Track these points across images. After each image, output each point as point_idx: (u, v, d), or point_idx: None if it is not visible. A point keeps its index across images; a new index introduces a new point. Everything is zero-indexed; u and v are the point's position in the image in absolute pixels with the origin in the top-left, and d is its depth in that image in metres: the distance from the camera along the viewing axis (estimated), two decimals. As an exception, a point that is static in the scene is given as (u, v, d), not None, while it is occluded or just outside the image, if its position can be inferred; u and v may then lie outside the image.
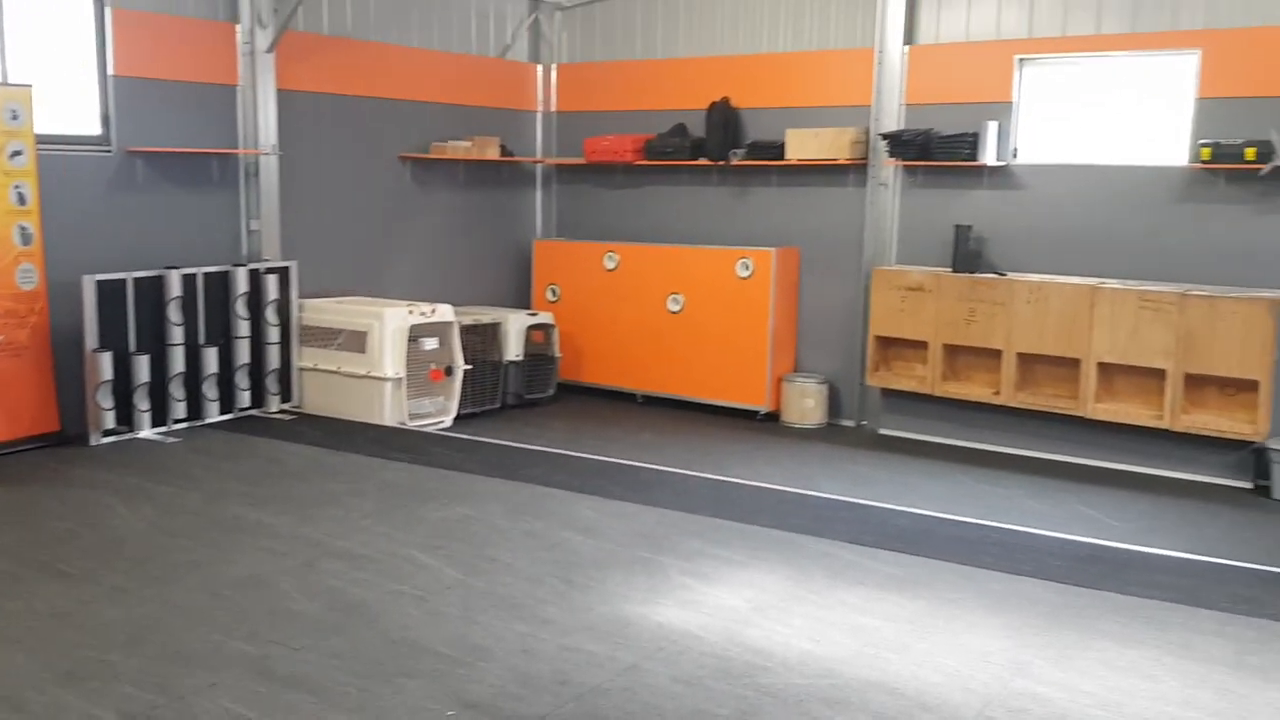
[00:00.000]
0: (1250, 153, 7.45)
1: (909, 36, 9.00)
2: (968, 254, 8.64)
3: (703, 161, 9.91)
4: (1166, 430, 7.78)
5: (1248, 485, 7.68)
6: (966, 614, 4.90)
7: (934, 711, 3.97)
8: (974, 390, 8.65)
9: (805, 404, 9.45)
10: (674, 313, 9.91)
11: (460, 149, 9.92)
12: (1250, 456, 7.68)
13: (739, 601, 5.01)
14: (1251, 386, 7.50)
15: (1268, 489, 7.45)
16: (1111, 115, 8.37)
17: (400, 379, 8.49)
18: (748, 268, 9.51)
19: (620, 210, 10.68)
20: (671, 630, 4.66)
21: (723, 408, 9.74)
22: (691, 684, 4.17)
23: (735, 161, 9.73)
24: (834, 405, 9.59)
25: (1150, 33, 7.97)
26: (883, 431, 9.28)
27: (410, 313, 8.62)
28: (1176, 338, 7.65)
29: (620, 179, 10.66)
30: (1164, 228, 8.06)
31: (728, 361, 9.68)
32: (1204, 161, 7.66)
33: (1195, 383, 7.72)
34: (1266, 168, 7.40)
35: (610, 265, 10.24)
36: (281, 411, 8.63)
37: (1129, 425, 7.98)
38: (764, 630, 4.69)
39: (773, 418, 9.56)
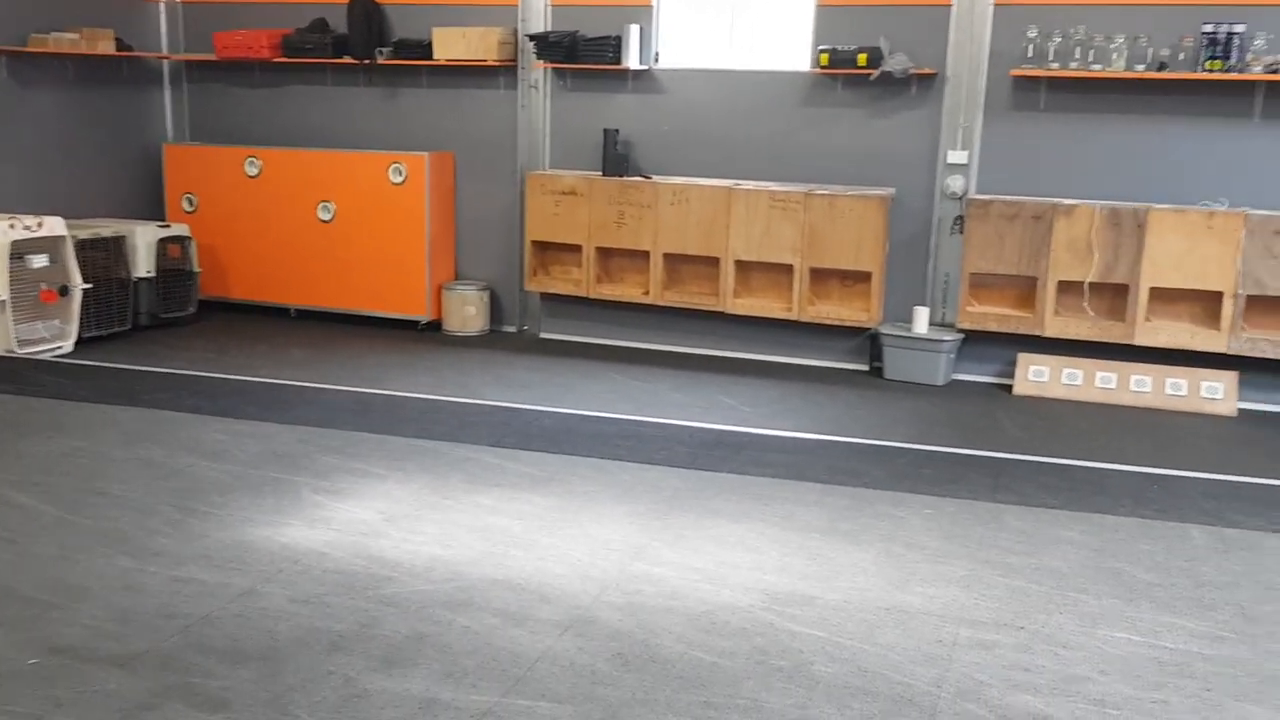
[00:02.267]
0: (862, 58, 7.98)
1: (554, -65, 8.89)
2: (616, 157, 8.78)
3: (347, 60, 9.40)
4: (796, 321, 8.36)
5: (865, 368, 8.42)
6: (595, 506, 5.05)
7: (553, 602, 4.07)
8: (626, 291, 8.89)
9: (466, 312, 9.36)
10: (325, 221, 9.45)
11: (66, 42, 8.84)
12: (867, 341, 8.41)
13: (371, 514, 4.90)
14: (866, 278, 8.17)
15: (880, 370, 8.21)
16: (746, 21, 8.69)
17: (3, 301, 7.58)
18: (401, 173, 9.20)
19: (260, 112, 9.98)
20: (295, 550, 4.49)
21: (382, 319, 9.48)
22: (310, 602, 4.04)
23: (382, 60, 9.31)
24: (496, 312, 9.56)
25: (774, -60, 8.29)
26: (544, 336, 9.37)
27: (11, 227, 7.68)
28: (803, 235, 8.17)
29: (259, 78, 9.93)
30: (792, 131, 8.52)
31: (385, 271, 9.38)
32: (823, 67, 8.13)
33: (820, 276, 8.31)
34: (876, 72, 7.95)
35: (252, 171, 9.58)
36: None
37: (764, 318, 8.50)
38: (393, 541, 4.62)
39: (434, 327, 9.41)
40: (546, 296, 9.30)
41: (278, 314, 9.70)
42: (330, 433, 6.03)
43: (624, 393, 7.54)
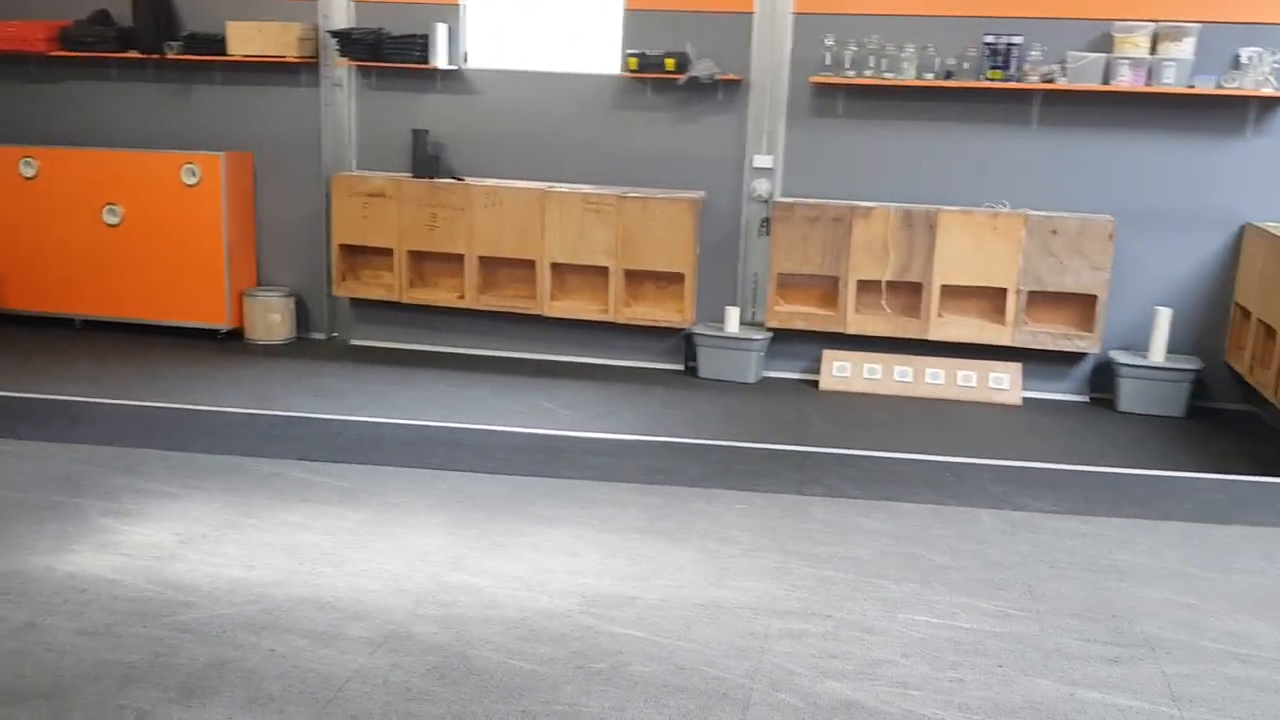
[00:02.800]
0: (670, 63, 8.10)
1: (354, -70, 8.64)
2: (427, 159, 8.61)
3: (134, 54, 8.86)
4: (613, 323, 8.42)
5: (680, 368, 8.56)
6: (410, 517, 4.93)
7: (366, 619, 3.95)
8: (441, 295, 8.73)
9: (271, 319, 8.98)
10: (112, 226, 8.87)
11: None
12: (682, 341, 8.55)
13: (165, 537, 4.63)
14: (679, 280, 8.30)
15: (695, 369, 8.36)
16: (555, 23, 8.68)
17: None
18: (195, 175, 8.74)
19: (37, 109, 9.29)
20: (81, 579, 4.19)
21: (179, 328, 8.98)
22: (98, 634, 3.78)
23: (171, 55, 8.82)
24: (302, 319, 9.21)
25: (582, -57, 8.31)
26: (354, 342, 9.10)
27: None
28: (617, 237, 8.23)
29: (34, 72, 9.24)
30: (604, 133, 8.56)
31: (180, 278, 8.89)
32: (633, 71, 8.21)
33: (634, 278, 8.39)
34: (684, 77, 8.09)
35: (28, 173, 8.91)
36: None
37: (581, 320, 8.52)
38: (191, 564, 4.37)
39: (236, 335, 8.99)
40: (357, 302, 9.04)
41: (61, 325, 9.06)
42: (119, 451, 5.66)
43: (440, 399, 7.41)
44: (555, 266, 8.43)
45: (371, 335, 9.08)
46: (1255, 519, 4.75)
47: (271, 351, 8.76)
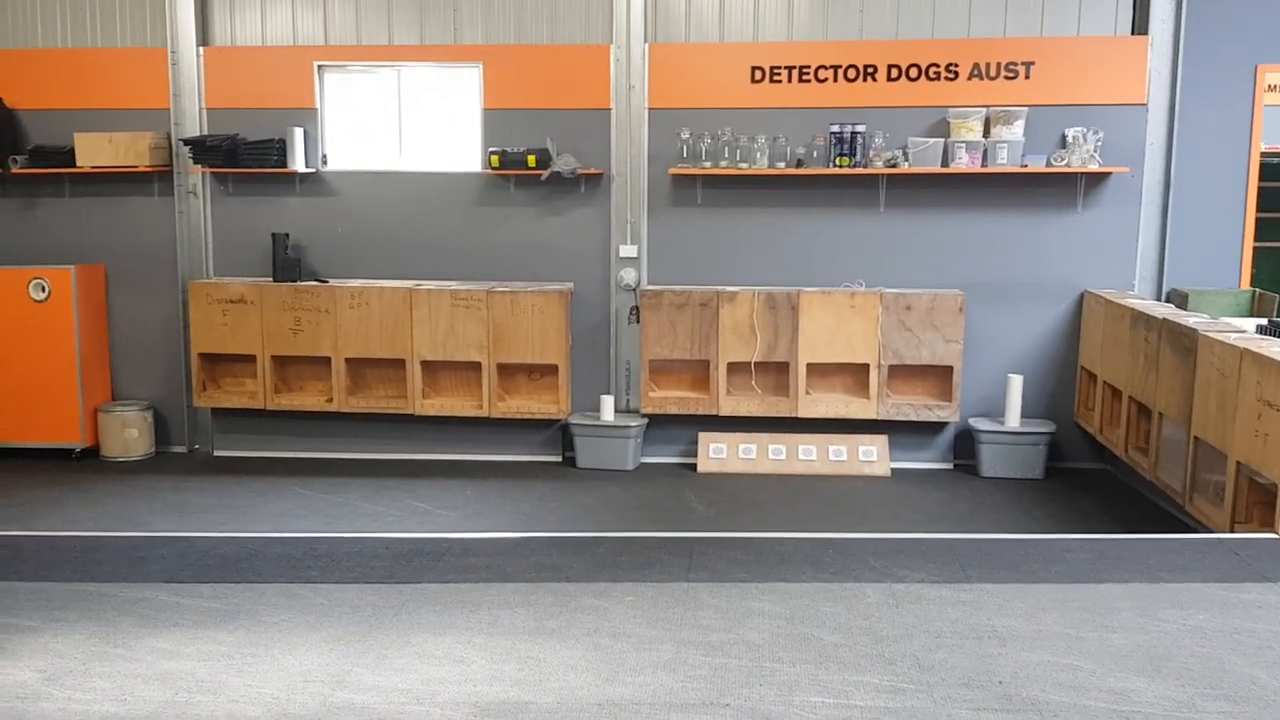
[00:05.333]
0: (531, 159, 8.23)
1: (203, 38, 8.55)
2: (287, 262, 8.47)
3: (-28, 169, 8.53)
4: (488, 418, 8.35)
5: (558, 458, 8.53)
6: (288, 635, 4.72)
7: (247, 749, 3.74)
8: (308, 400, 8.53)
9: (128, 434, 8.60)
10: (-49, 346, 8.42)
11: None
12: (558, 432, 8.53)
13: (28, 674, 4.31)
14: (553, 371, 8.33)
15: (574, 459, 8.34)
16: (417, 123, 8.73)
17: None
18: (44, 289, 8.39)
19: None
20: (-73, 732, 3.86)
21: (29, 449, 8.51)
22: (-51, 793, 3.48)
23: (16, 170, 8.50)
24: (162, 432, 8.86)
25: (437, 45, 8.42)
26: (218, 454, 8.78)
27: None
28: (487, 332, 8.22)
29: None
30: (470, 230, 8.60)
31: (29, 397, 8.46)
32: (495, 168, 8.31)
33: (507, 371, 8.38)
34: (546, 173, 8.22)
35: None
36: None
37: (455, 417, 8.43)
38: (57, 703, 4.07)
39: (92, 454, 8.57)
40: (219, 411, 8.75)
41: (-106, 454, 8.49)
42: (-33, 587, 5.27)
43: (312, 508, 7.18)
44: (426, 364, 8.35)
45: (236, 445, 8.78)
46: (1125, 576, 4.96)
47: (130, 469, 8.37)
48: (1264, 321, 6.88)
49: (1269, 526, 5.27)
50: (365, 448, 8.63)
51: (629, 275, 8.43)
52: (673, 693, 4.05)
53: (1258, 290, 8.08)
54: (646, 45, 8.23)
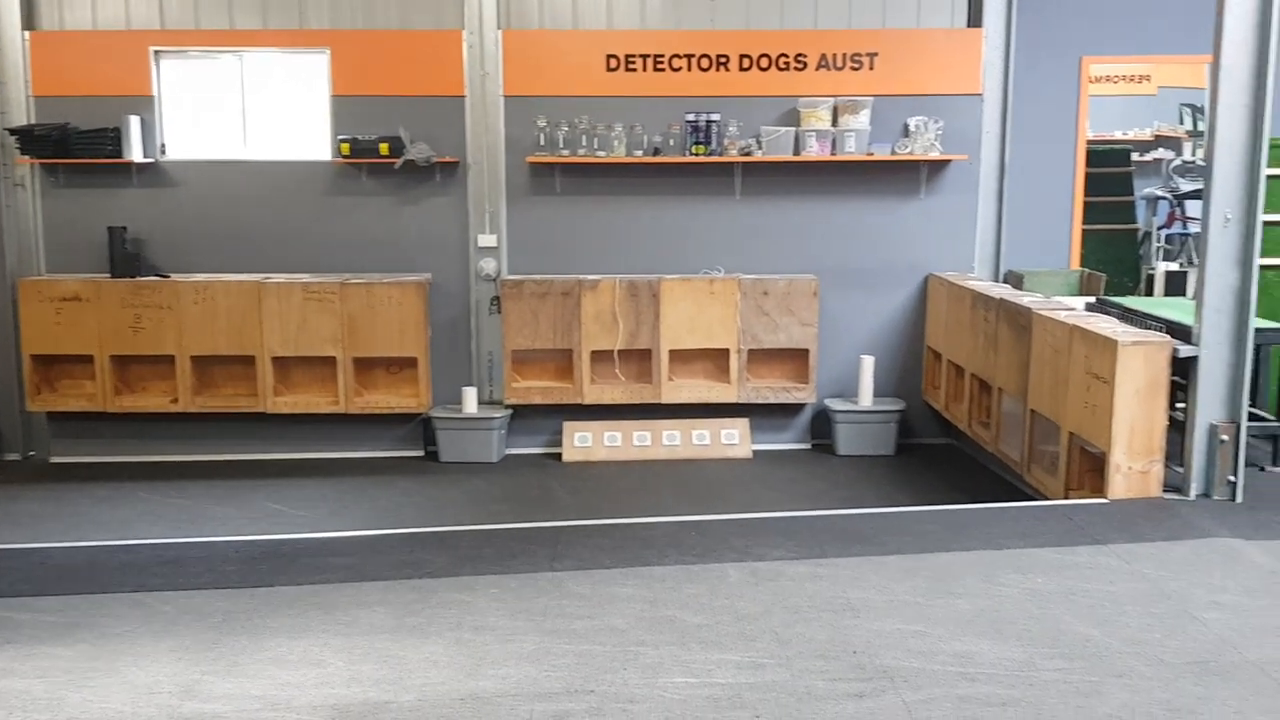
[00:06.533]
0: (384, 148, 8.05)
1: (28, 21, 8.07)
2: (126, 257, 8.08)
3: None
4: (344, 414, 8.15)
5: (420, 453, 8.39)
6: (133, 646, 4.52)
7: (89, 768, 3.57)
8: (151, 401, 8.17)
9: (-48, 443, 8.08)
10: None
11: None
12: (420, 426, 8.39)
13: None
14: (412, 364, 8.18)
15: (436, 454, 8.22)
16: (263, 111, 8.42)
17: None
18: None
19: None
20: None
21: None
22: None
23: None
24: (-9, 439, 8.35)
25: (281, 30, 8.15)
26: (55, 460, 8.32)
27: None
28: (342, 325, 8.02)
29: None
30: (321, 220, 8.35)
31: None
32: (345, 156, 8.09)
33: (364, 366, 8.18)
34: (399, 161, 8.05)
35: None
36: None
37: (310, 414, 8.20)
38: (-128, 734, 3.80)
39: (-88, 465, 8.02)
40: (55, 416, 8.29)
41: None
42: None
43: (157, 513, 6.88)
44: (277, 360, 8.09)
45: (74, 451, 8.33)
46: (970, 545, 5.18)
47: (-45, 479, 7.86)
48: (1092, 299, 7.27)
49: (1099, 492, 5.57)
50: (214, 449, 8.30)
51: (489, 265, 8.34)
52: (537, 683, 4.04)
53: (1086, 270, 8.54)
54: (500, 32, 8.13)
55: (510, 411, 8.30)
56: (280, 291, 7.98)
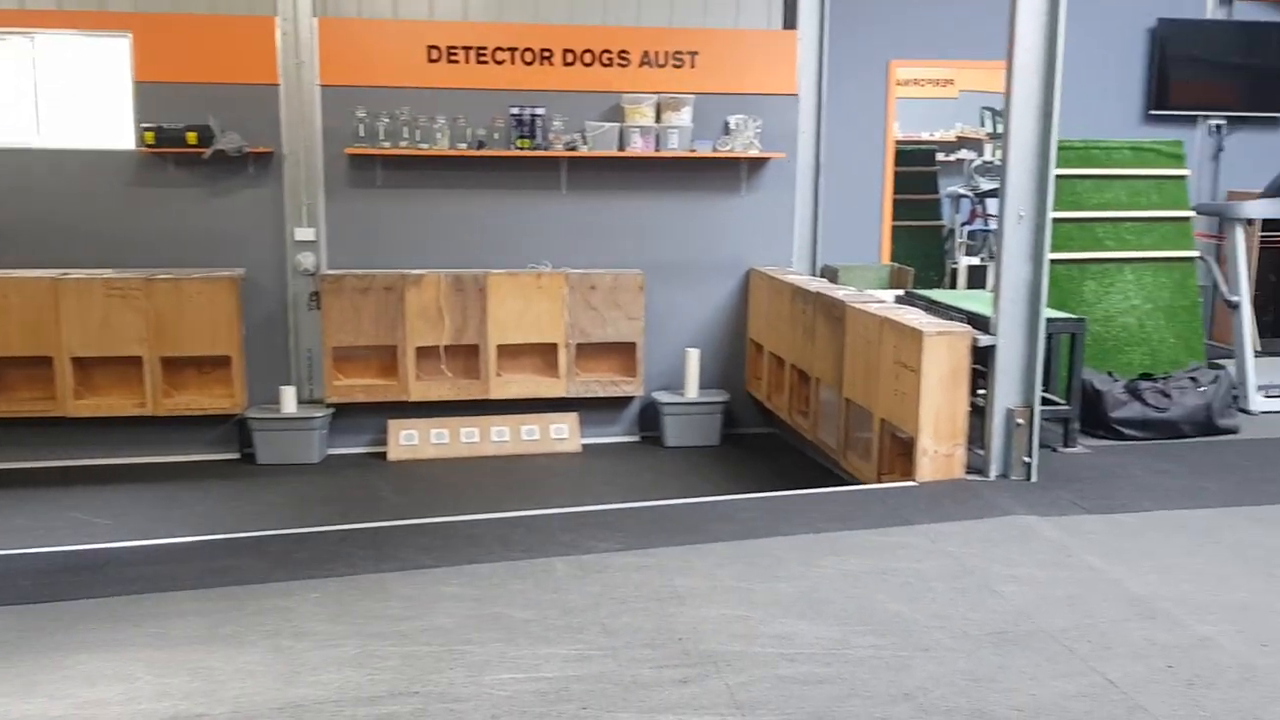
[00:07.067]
0: (192, 137, 7.68)
1: None
2: (-99, 251, 7.45)
3: None
4: (152, 417, 7.75)
5: (236, 455, 8.06)
6: (-87, 673, 4.17)
7: None
8: (-66, 407, 7.56)
9: None
10: None
11: None
12: (235, 428, 8.05)
13: None
14: (226, 362, 7.85)
15: (253, 455, 7.91)
16: (58, 97, 7.89)
17: None
18: None
19: None
20: None
21: None
22: None
23: None
24: None
25: (78, 11, 7.66)
26: None
27: None
28: (148, 323, 7.62)
29: None
30: (125, 213, 7.91)
31: None
32: (149, 145, 7.68)
33: (173, 365, 7.80)
34: (208, 151, 7.70)
35: None
36: None
37: (115, 418, 7.76)
38: None
39: None
40: None
41: None
42: None
43: (-58, 527, 6.38)
44: (77, 361, 7.62)
45: None
46: (791, 530, 5.35)
47: None
48: (901, 292, 7.63)
49: (909, 475, 5.86)
50: (9, 456, 7.75)
51: (307, 259, 8.08)
52: (359, 687, 3.94)
53: (895, 265, 8.95)
54: (315, 19, 7.88)
55: (332, 410, 8.07)
56: (79, 288, 7.52)
